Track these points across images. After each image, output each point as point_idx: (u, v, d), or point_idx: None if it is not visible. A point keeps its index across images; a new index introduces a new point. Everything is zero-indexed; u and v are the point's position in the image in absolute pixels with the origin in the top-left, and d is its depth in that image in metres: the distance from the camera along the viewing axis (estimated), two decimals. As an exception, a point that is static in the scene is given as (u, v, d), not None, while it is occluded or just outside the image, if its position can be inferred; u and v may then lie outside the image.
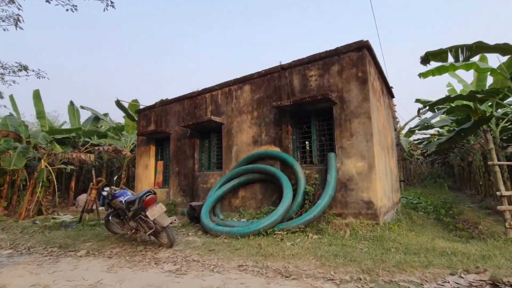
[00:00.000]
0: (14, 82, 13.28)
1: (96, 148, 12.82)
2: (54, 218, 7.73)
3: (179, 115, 8.24)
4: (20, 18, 10.76)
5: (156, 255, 3.65)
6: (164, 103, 8.80)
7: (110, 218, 4.41)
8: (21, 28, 9.89)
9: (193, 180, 7.51)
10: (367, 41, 5.46)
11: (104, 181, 6.98)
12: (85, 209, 6.57)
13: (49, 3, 8.56)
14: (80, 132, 11.04)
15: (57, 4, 8.57)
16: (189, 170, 7.65)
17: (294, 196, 5.07)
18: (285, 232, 4.36)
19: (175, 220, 3.92)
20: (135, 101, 13.34)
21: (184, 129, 7.84)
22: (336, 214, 5.10)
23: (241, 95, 6.92)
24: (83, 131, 11.28)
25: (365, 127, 5.17)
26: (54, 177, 9.02)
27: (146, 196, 3.80)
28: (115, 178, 5.01)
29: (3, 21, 10.63)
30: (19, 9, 12.04)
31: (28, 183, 9.57)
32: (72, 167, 9.96)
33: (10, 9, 13.73)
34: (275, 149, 6.10)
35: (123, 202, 4.14)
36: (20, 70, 12.43)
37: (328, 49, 5.78)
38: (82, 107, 13.48)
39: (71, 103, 12.81)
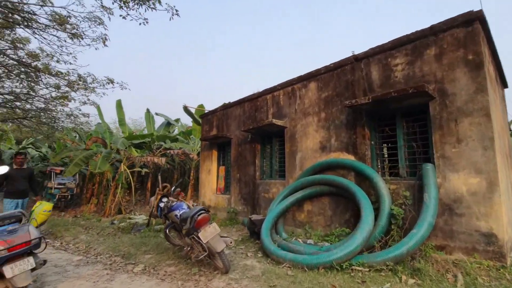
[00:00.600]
0: (104, 94, 15.43)
1: (168, 151, 13.73)
2: (130, 218, 8.32)
3: (240, 119, 7.90)
4: (107, 37, 12.14)
5: (210, 283, 3.18)
6: (225, 107, 8.62)
7: (167, 231, 4.20)
8: (107, 45, 11.11)
9: (254, 188, 7.02)
10: (480, 12, 3.99)
11: (169, 187, 7.07)
12: (151, 214, 6.76)
13: (125, 19, 9.32)
14: (153, 137, 11.89)
15: (132, 20, 9.30)
16: (250, 177, 7.20)
17: (375, 217, 4.01)
18: (367, 269, 3.38)
19: (231, 242, 3.39)
20: (201, 106, 13.81)
21: (244, 133, 7.44)
22: (436, 247, 3.82)
23: (306, 94, 6.10)
24: (156, 136, 12.15)
25: (480, 129, 3.75)
26: (131, 179, 9.82)
27: (198, 216, 3.39)
28: (172, 189, 4.83)
29: (94, 40, 12.25)
30: (105, 29, 13.47)
31: (111, 184, 10.71)
32: (147, 170, 10.76)
33: (98, 29, 15.85)
34: (348, 157, 5.08)
35: (178, 216, 3.85)
36: (108, 83, 14.28)
37: (419, 29, 4.49)
38: (156, 114, 14.70)
39: (147, 110, 14.04)
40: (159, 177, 6.76)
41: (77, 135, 18.47)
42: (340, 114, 5.37)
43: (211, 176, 8.80)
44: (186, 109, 13.06)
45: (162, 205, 4.27)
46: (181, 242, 4.15)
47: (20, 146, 24.81)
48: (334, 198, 5.22)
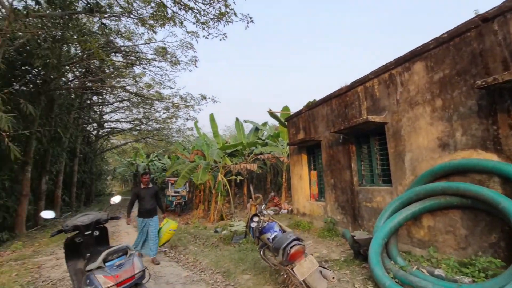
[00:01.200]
0: (200, 109, 17.39)
1: (259, 156, 14.12)
2: (230, 225, 8.82)
3: (328, 118, 7.14)
4: (196, 58, 13.39)
5: (311, 324, 2.74)
6: (310, 107, 8.01)
7: (261, 252, 4.01)
8: (197, 66, 12.22)
9: (352, 196, 6.16)
10: None
11: (262, 198, 7.04)
12: (248, 225, 6.87)
13: (207, 38, 9.98)
14: (244, 144, 12.41)
15: (213, 38, 9.89)
16: (347, 183, 6.37)
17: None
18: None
19: (333, 278, 2.86)
20: (286, 108, 13.55)
21: (335, 134, 6.66)
22: None
23: (410, 79, 4.86)
24: (246, 143, 12.65)
25: None
26: (229, 187, 10.48)
27: (291, 248, 3.00)
28: (263, 206, 4.61)
29: (187, 64, 13.80)
30: (194, 52, 14.81)
31: (213, 192, 11.74)
32: (241, 177, 11.30)
33: (188, 53, 17.84)
34: (486, 157, 3.69)
35: (270, 240, 3.59)
36: (202, 99, 15.91)
37: None
38: (245, 121, 15.38)
39: (237, 119, 14.82)
40: (251, 188, 6.78)
41: (184, 148, 21.52)
42: (467, 98, 3.97)
43: (303, 181, 8.36)
44: (271, 114, 13.07)
45: (253, 225, 4.12)
46: (277, 264, 3.88)
47: (149, 160, 30.94)
48: (468, 212, 3.89)
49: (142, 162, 31.42)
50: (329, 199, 6.98)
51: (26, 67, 9.39)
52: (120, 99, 18.57)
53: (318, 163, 7.87)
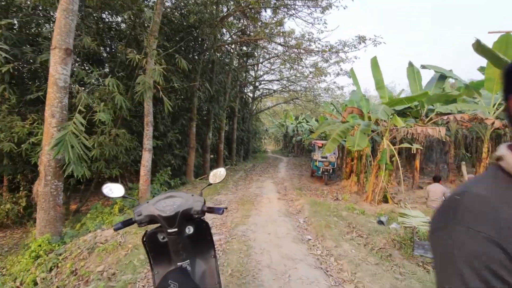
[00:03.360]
0: (355, 58, 13.94)
1: (445, 118, 9.53)
2: (401, 216, 6.01)
3: None
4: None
5: None
6: None
7: None
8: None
9: None
10: None
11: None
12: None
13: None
14: (425, 98, 8.41)
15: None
16: None
17: None
18: None
19: None
20: (513, 33, 7.92)
21: None
22: None
23: None
24: (427, 98, 8.55)
25: None
26: (397, 159, 7.37)
27: None
28: None
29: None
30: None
31: (372, 163, 8.91)
32: (419, 146, 7.73)
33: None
34: None
35: None
36: (359, 43, 12.42)
37: None
38: (423, 67, 10.72)
39: (410, 64, 10.51)
40: (463, 166, 3.68)
41: (334, 108, 18.96)
42: None
43: None
44: (479, 46, 8.00)
45: None
46: None
47: (297, 121, 30.96)
48: None
49: (291, 123, 31.84)
50: None
51: (183, 24, 9.66)
52: (270, 55, 18.13)
53: None
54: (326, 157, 11.84)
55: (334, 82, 18.68)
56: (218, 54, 13.92)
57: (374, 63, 9.15)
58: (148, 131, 7.74)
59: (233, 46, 15.27)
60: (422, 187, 10.37)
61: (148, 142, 7.75)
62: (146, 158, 7.77)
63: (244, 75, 20.95)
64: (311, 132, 28.33)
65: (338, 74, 18.44)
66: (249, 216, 5.69)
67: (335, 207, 6.52)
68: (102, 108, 6.00)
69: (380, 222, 5.59)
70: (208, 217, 5.60)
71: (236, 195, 8.22)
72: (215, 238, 3.79)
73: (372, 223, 5.43)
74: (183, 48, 9.87)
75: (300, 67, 18.98)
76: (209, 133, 13.79)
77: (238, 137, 21.70)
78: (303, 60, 15.86)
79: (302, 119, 30.48)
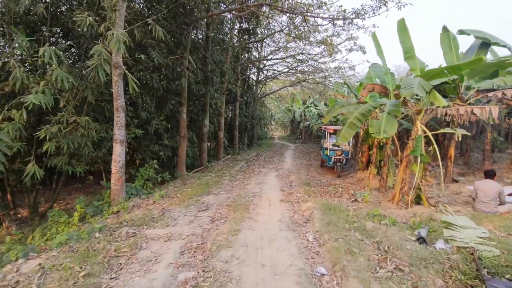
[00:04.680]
0: (374, 26, 11.84)
1: (490, 95, 7.62)
2: (447, 227, 4.40)
3: None
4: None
5: None
6: None
7: None
8: None
9: None
10: None
11: None
12: None
13: None
14: (467, 70, 6.52)
15: None
16: None
17: None
18: None
19: None
20: None
21: None
22: None
23: None
24: (469, 70, 6.63)
25: None
26: (436, 148, 5.65)
27: None
28: None
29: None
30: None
31: (398, 153, 7.19)
32: (464, 131, 5.96)
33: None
34: None
35: None
36: (379, 7, 10.35)
37: None
38: (461, 32, 8.68)
39: (445, 29, 8.49)
40: None
41: (347, 88, 16.93)
42: None
43: None
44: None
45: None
46: None
47: (305, 106, 28.96)
48: None
49: (299, 108, 29.89)
50: None
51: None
52: (275, 29, 16.09)
53: None
54: (338, 145, 10.18)
55: (347, 60, 16.54)
56: (214, 33, 12.08)
57: (402, 26, 7.25)
58: (119, 118, 6.21)
59: (230, 17, 13.32)
60: (457, 181, 8.64)
61: (119, 132, 6.25)
62: (118, 152, 6.30)
63: (246, 55, 18.98)
64: (320, 116, 26.38)
65: (351, 50, 16.32)
66: (239, 231, 4.19)
67: (355, 214, 4.94)
68: (41, 89, 4.47)
69: (421, 240, 4.00)
70: (183, 234, 4.12)
71: (229, 194, 6.72)
72: (180, 276, 2.93)
73: (410, 242, 3.85)
74: (166, 17, 8.13)
75: (308, 46, 16.90)
76: (206, 120, 12.21)
77: (241, 124, 20.08)
78: (312, 33, 13.83)
79: (310, 103, 28.47)
